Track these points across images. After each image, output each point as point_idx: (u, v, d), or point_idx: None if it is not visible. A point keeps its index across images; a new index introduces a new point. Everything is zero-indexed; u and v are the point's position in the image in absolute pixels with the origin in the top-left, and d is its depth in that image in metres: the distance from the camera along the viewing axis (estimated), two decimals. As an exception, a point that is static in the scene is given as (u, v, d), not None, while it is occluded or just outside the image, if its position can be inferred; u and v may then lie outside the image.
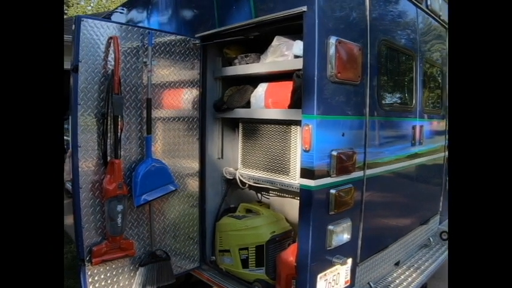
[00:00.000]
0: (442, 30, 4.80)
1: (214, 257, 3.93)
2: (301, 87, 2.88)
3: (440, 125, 4.95)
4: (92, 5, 30.55)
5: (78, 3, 29.23)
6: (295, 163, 3.37)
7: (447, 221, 5.26)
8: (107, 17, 6.07)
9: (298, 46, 3.09)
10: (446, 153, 5.07)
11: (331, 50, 2.72)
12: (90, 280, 3.07)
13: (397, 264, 4.03)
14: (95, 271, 3.11)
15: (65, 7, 28.36)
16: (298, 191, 3.12)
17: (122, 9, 5.39)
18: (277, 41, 3.34)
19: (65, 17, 25.50)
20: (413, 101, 4.11)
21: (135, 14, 4.87)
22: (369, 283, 3.47)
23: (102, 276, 3.16)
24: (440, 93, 4.97)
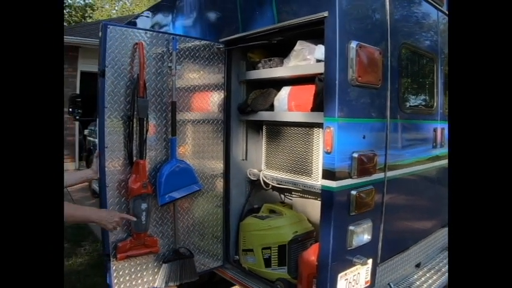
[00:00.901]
0: (464, 32, 4.80)
1: (237, 256, 4.01)
2: (323, 91, 2.95)
3: (462, 127, 4.93)
4: (116, 8, 30.92)
5: (103, 7, 29.62)
6: (318, 165, 3.43)
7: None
8: (132, 21, 6.21)
9: (320, 50, 3.15)
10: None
11: (352, 54, 2.77)
12: (115, 275, 3.20)
13: (418, 266, 4.03)
14: (120, 266, 3.23)
15: (90, 10, 28.81)
16: (320, 192, 3.20)
17: (148, 14, 5.52)
18: (300, 45, 3.40)
19: (89, 20, 25.99)
20: (435, 104, 4.13)
21: (161, 18, 4.99)
22: (389, 284, 3.50)
23: (127, 272, 3.28)
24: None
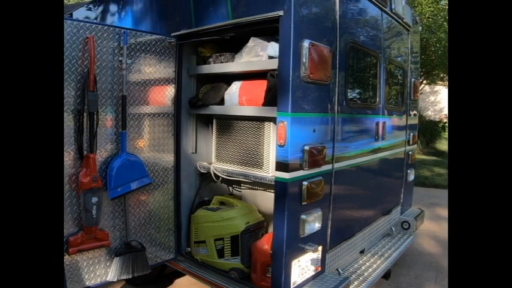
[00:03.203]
0: (404, 31, 5.08)
1: (189, 248, 4.06)
2: (276, 86, 3.06)
3: (401, 121, 5.23)
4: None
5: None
6: (268, 157, 3.55)
7: (408, 211, 5.57)
8: (68, 13, 6.00)
9: (272, 47, 3.27)
10: (407, 147, 5.38)
11: (305, 53, 2.91)
12: (67, 269, 3.18)
13: (362, 252, 4.27)
14: (72, 260, 3.22)
15: None
16: (271, 183, 3.32)
17: (91, 6, 5.38)
18: (253, 42, 3.49)
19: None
20: (377, 99, 4.35)
21: (107, 11, 4.89)
22: (337, 269, 3.67)
23: (79, 266, 3.27)
24: (401, 90, 5.25)
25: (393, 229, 5.05)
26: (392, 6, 4.48)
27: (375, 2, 4.08)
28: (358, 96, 4.16)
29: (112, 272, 3.45)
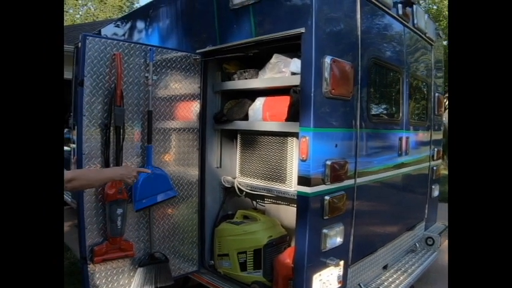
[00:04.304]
0: (428, 46, 5.08)
1: (212, 261, 4.09)
2: (298, 102, 3.11)
3: (425, 136, 5.21)
4: (80, 13, 30.59)
5: (67, 11, 29.20)
6: (291, 172, 3.57)
7: (432, 227, 5.51)
8: (97, 29, 6.14)
9: (295, 64, 3.33)
10: (431, 163, 5.34)
11: (327, 69, 2.95)
12: (91, 278, 3.26)
13: (385, 267, 4.23)
14: (96, 269, 3.29)
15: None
16: (294, 198, 3.34)
17: (119, 23, 5.54)
18: (276, 58, 3.56)
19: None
20: (400, 114, 4.35)
21: (134, 28, 5.04)
22: (359, 284, 3.66)
23: (103, 275, 3.34)
24: (425, 105, 5.23)
25: (417, 245, 4.99)
26: (415, 21, 4.49)
27: (397, 17, 4.10)
28: (380, 112, 4.17)
29: (135, 282, 3.51)
